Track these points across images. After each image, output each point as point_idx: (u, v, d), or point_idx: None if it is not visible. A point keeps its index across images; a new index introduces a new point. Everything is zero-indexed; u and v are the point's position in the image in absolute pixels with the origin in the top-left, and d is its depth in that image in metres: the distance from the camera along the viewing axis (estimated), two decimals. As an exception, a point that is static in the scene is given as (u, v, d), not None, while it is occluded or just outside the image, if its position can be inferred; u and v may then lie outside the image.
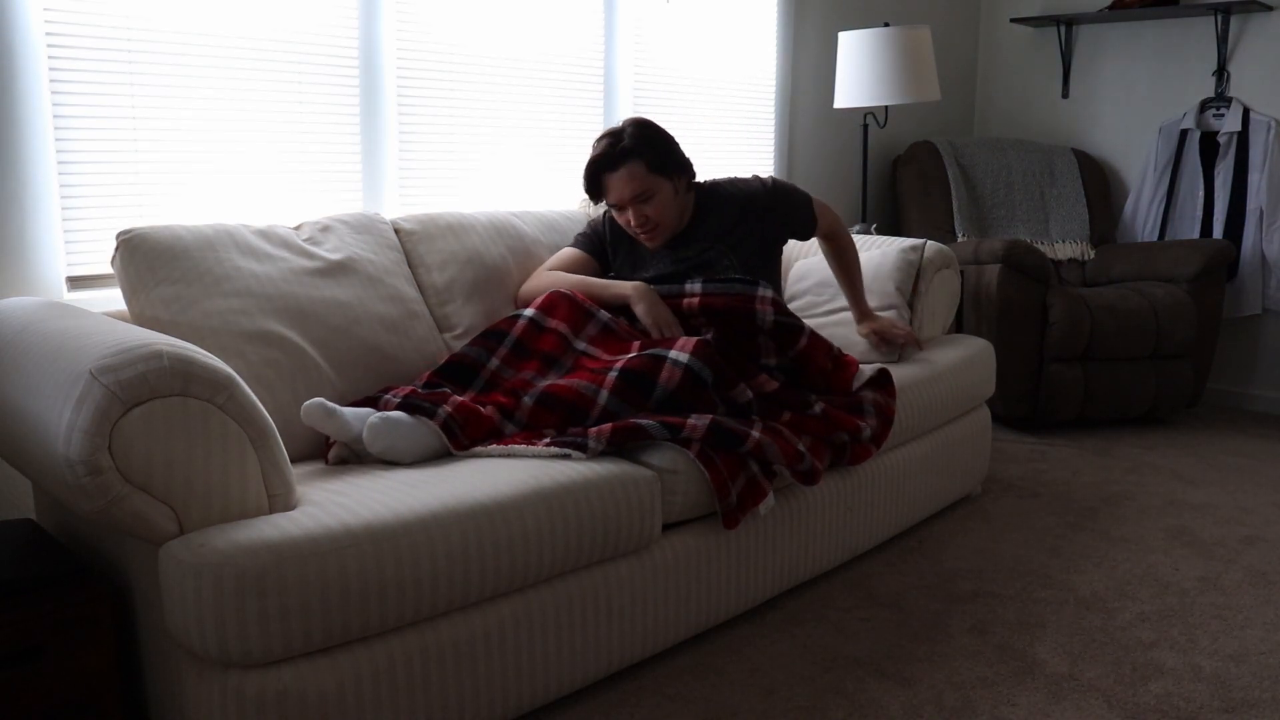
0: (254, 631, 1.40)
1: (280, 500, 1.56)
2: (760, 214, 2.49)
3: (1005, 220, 4.20)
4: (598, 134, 2.48)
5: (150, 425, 1.40)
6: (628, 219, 2.42)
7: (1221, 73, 4.11)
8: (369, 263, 2.28)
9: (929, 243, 2.95)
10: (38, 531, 1.77)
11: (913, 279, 2.89)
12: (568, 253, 2.58)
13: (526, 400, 2.03)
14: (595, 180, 2.41)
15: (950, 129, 4.71)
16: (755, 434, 2.03)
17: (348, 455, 1.93)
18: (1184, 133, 4.18)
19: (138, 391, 1.38)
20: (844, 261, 2.73)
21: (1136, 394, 3.69)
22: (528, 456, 1.88)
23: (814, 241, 2.95)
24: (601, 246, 2.57)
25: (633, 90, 3.29)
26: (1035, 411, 3.67)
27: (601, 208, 2.57)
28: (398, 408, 1.93)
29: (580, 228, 2.78)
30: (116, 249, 1.97)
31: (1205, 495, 3.06)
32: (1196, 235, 4.14)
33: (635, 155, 2.35)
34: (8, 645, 1.50)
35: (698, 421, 1.97)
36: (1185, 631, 2.16)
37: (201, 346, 1.84)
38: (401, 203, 2.74)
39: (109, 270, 2.21)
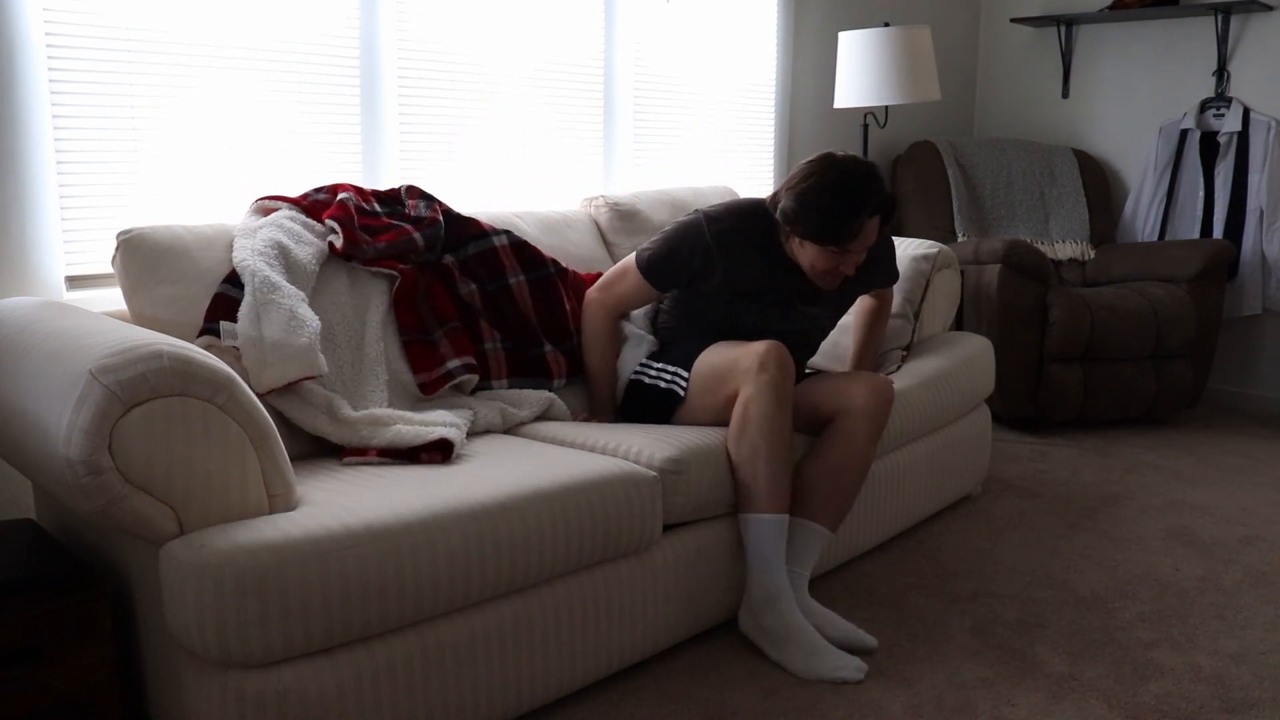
0: (254, 632, 1.40)
1: (280, 500, 1.56)
2: (865, 263, 2.40)
3: (1005, 220, 4.20)
4: (838, 160, 2.15)
5: (150, 425, 1.40)
6: (843, 265, 2.19)
7: (1221, 73, 4.11)
8: (369, 263, 2.28)
9: (941, 248, 2.91)
10: (38, 531, 1.77)
11: (922, 289, 2.87)
12: (640, 285, 2.34)
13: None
14: (859, 219, 2.09)
15: (950, 129, 4.71)
16: None
17: None
18: (1184, 133, 4.18)
19: (138, 391, 1.38)
20: (876, 324, 2.67)
21: (1136, 394, 3.69)
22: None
23: None
24: (684, 276, 2.30)
25: (633, 91, 3.29)
26: (1035, 411, 3.67)
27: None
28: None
29: (579, 229, 2.77)
30: (116, 249, 1.97)
31: (1205, 495, 3.05)
32: (1196, 235, 4.14)
33: (891, 208, 2.17)
34: (8, 645, 1.49)
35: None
36: (1185, 631, 2.16)
37: (201, 346, 1.84)
38: (401, 203, 2.74)
39: (109, 270, 2.21)
